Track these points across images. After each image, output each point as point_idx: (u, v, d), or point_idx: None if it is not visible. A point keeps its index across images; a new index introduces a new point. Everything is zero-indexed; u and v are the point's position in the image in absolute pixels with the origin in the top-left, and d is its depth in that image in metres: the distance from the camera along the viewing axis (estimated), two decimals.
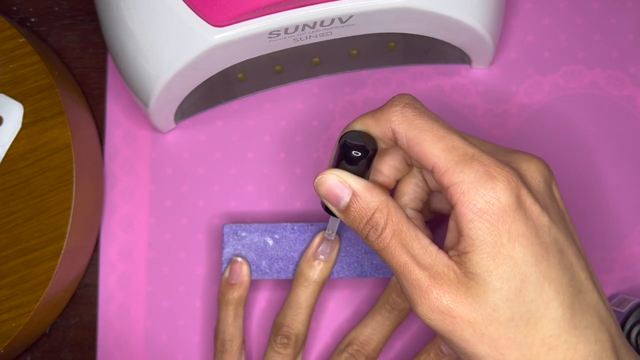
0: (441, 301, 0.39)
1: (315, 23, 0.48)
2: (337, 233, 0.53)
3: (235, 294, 0.53)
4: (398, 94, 0.42)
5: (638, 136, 0.57)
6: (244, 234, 0.54)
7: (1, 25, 0.55)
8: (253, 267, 0.54)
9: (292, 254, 0.54)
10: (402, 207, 0.43)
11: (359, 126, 0.43)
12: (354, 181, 0.41)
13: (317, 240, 0.53)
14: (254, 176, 0.58)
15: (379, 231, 0.41)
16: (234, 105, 0.58)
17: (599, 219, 0.57)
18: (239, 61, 0.51)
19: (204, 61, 0.49)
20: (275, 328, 0.52)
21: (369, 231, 0.41)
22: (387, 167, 0.46)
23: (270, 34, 0.48)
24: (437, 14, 0.49)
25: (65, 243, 0.52)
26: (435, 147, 0.40)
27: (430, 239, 0.41)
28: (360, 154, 0.42)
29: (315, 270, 0.52)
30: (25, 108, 0.54)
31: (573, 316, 0.39)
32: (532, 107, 0.58)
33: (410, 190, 0.47)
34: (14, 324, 0.52)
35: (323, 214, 0.57)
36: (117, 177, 0.58)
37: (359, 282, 0.56)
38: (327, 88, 0.58)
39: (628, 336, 0.52)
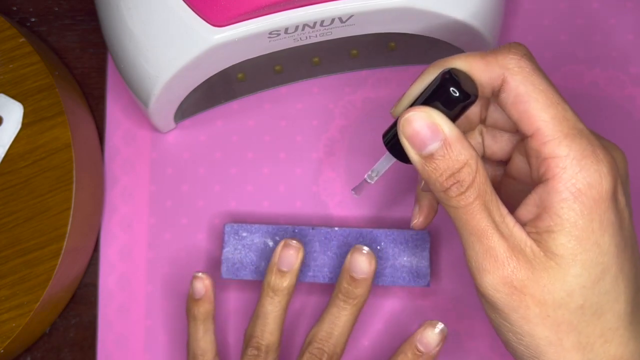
0: (516, 275, 0.37)
1: (315, 23, 0.48)
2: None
3: (201, 308, 0.52)
4: (514, 42, 0.39)
5: (638, 136, 0.57)
6: (244, 234, 0.54)
7: (1, 25, 0.55)
8: (252, 268, 0.54)
9: None
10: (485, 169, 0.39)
11: (463, 65, 0.39)
12: (448, 127, 0.37)
13: (278, 251, 0.51)
14: (254, 176, 0.58)
15: (465, 188, 0.37)
16: (234, 105, 0.58)
17: None
18: (238, 61, 0.51)
19: (204, 61, 0.49)
20: (246, 340, 0.52)
21: (451, 185, 0.37)
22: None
23: (270, 33, 0.48)
24: (437, 13, 0.49)
25: (65, 243, 0.52)
26: (546, 111, 0.37)
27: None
28: (460, 95, 0.37)
29: (280, 280, 0.51)
30: (25, 108, 0.54)
31: (634, 312, 0.38)
32: None
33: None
34: (14, 324, 0.52)
35: (323, 215, 0.57)
36: (117, 177, 0.58)
37: None
38: (327, 88, 0.58)
39: None
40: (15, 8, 0.60)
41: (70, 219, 0.52)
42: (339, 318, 0.50)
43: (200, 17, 0.47)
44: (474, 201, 0.37)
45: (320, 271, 0.54)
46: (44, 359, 0.57)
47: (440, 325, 0.49)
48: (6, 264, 0.52)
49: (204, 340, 0.52)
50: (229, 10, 0.46)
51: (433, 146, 0.37)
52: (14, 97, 0.54)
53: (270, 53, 0.51)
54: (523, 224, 0.38)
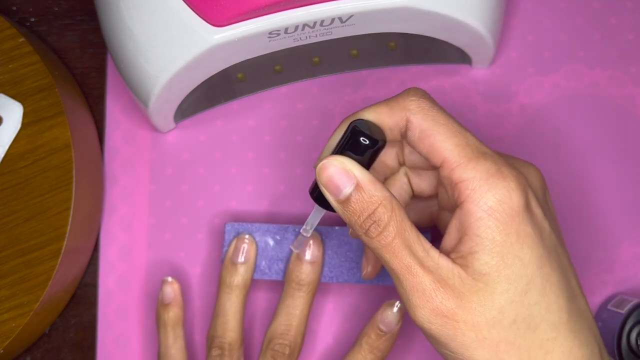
0: (445, 305, 0.38)
1: (315, 23, 0.48)
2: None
3: (171, 313, 0.53)
4: (412, 87, 0.41)
5: (638, 136, 0.57)
6: (245, 233, 0.54)
7: (1, 25, 0.55)
8: None
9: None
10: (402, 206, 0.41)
11: (370, 115, 0.42)
12: (359, 171, 0.39)
13: (232, 247, 0.53)
14: (254, 176, 0.58)
15: (382, 227, 0.39)
16: (234, 105, 0.58)
17: (599, 219, 0.57)
18: (238, 61, 0.51)
19: (203, 61, 0.49)
20: (209, 340, 0.52)
21: (369, 226, 0.39)
22: (378, 163, 0.45)
23: (270, 33, 0.48)
24: (438, 13, 0.49)
25: (64, 243, 0.52)
26: (449, 141, 0.39)
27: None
28: (368, 142, 0.40)
29: (235, 276, 0.52)
30: (25, 108, 0.54)
31: (569, 320, 0.39)
32: (533, 106, 0.58)
33: (395, 192, 0.46)
34: (13, 324, 0.51)
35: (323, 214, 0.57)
36: (116, 177, 0.58)
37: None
38: (327, 88, 0.58)
39: (628, 337, 0.52)
40: (15, 8, 0.60)
41: (70, 219, 0.52)
42: (296, 309, 0.52)
43: (200, 17, 0.47)
44: (393, 239, 0.38)
45: None
46: (44, 359, 0.57)
47: (398, 304, 0.51)
48: (6, 264, 0.52)
49: (175, 348, 0.53)
50: (229, 10, 0.46)
51: (347, 190, 0.39)
52: (13, 97, 0.54)
53: (270, 53, 0.51)
54: (449, 252, 0.39)
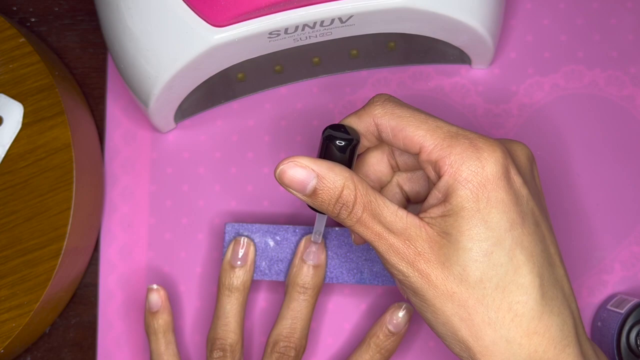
0: (416, 259, 0.41)
1: (315, 23, 0.48)
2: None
3: (160, 320, 0.54)
4: (377, 94, 0.44)
5: (638, 136, 0.57)
6: (245, 233, 0.54)
7: (1, 25, 0.55)
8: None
9: (292, 256, 0.54)
10: (364, 178, 0.44)
11: (345, 123, 0.44)
12: (315, 164, 0.42)
13: (230, 249, 0.53)
14: (254, 176, 0.58)
15: (351, 207, 0.41)
16: (234, 105, 0.58)
17: (599, 219, 0.57)
18: (239, 61, 0.51)
19: (204, 61, 0.49)
20: (209, 343, 0.53)
21: (339, 209, 0.42)
22: (372, 172, 0.47)
23: (270, 34, 0.48)
24: (437, 14, 0.49)
25: (65, 243, 0.52)
26: (420, 128, 0.42)
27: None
28: (343, 143, 0.42)
29: (234, 278, 0.53)
30: (25, 108, 0.54)
31: (542, 286, 0.40)
32: (532, 107, 0.58)
33: (391, 196, 0.48)
34: (14, 324, 0.52)
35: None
36: (117, 176, 0.58)
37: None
38: (327, 88, 0.58)
39: (627, 336, 0.52)
40: (15, 8, 0.60)
41: (71, 219, 0.53)
42: (300, 312, 0.52)
43: (201, 17, 0.47)
44: (362, 214, 0.41)
45: None
46: (44, 358, 0.57)
47: (406, 306, 0.53)
48: (6, 264, 0.52)
49: (167, 354, 0.53)
50: (229, 10, 0.46)
51: (311, 184, 0.42)
52: (14, 97, 0.54)
53: (271, 53, 0.51)
54: (421, 212, 0.42)
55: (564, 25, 0.59)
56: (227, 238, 0.54)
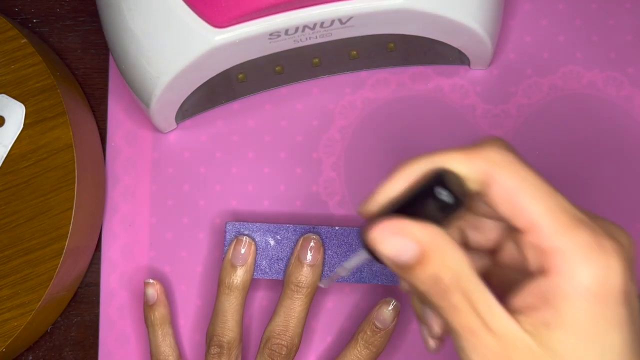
0: None
1: (315, 24, 0.48)
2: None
3: (157, 313, 0.54)
4: (491, 136, 0.36)
5: (636, 136, 0.57)
6: (246, 232, 0.54)
7: (3, 26, 0.55)
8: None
9: None
10: (470, 261, 0.35)
11: (447, 163, 0.35)
12: (425, 234, 0.34)
13: (231, 249, 0.53)
14: (255, 176, 0.58)
15: (447, 289, 0.34)
16: (235, 105, 0.59)
17: None
18: (239, 62, 0.51)
19: (205, 62, 0.49)
20: (208, 339, 0.53)
21: (430, 285, 0.34)
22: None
23: (270, 35, 0.48)
24: (436, 15, 0.49)
25: (66, 242, 0.52)
26: (541, 204, 0.34)
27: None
28: (453, 201, 0.33)
29: (234, 277, 0.53)
30: (27, 108, 0.54)
31: None
32: (531, 107, 0.58)
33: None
34: (15, 323, 0.52)
35: (323, 215, 0.57)
36: (118, 176, 0.58)
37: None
38: (327, 88, 0.59)
39: None
40: (17, 9, 0.60)
41: (72, 219, 0.53)
42: (294, 310, 0.52)
43: (201, 18, 0.47)
44: (458, 301, 0.34)
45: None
46: (46, 358, 0.57)
47: (394, 302, 0.53)
48: (8, 264, 0.52)
49: (165, 345, 0.54)
50: (230, 11, 0.46)
51: (410, 258, 0.34)
52: (16, 97, 0.54)
53: (271, 54, 0.51)
54: (515, 312, 0.34)
55: (562, 26, 0.59)
56: (227, 237, 0.54)
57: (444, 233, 0.34)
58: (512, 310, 0.34)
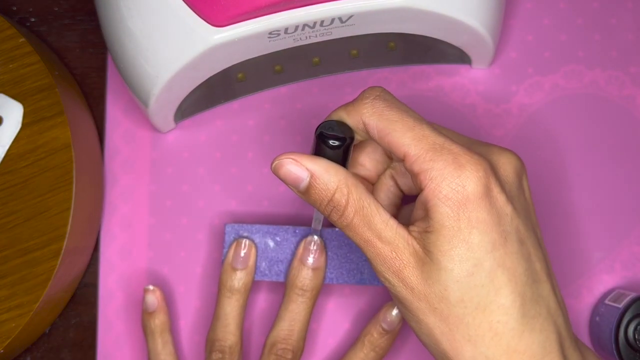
0: (402, 271, 0.41)
1: (315, 23, 0.48)
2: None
3: (157, 320, 0.54)
4: (369, 87, 0.43)
5: (638, 136, 0.57)
6: (245, 234, 0.54)
7: (1, 25, 0.55)
8: None
9: (292, 257, 0.54)
10: (361, 181, 0.44)
11: (333, 116, 0.44)
12: (311, 163, 0.42)
13: (231, 251, 0.53)
14: (254, 176, 0.58)
15: (341, 211, 0.42)
16: (234, 105, 0.58)
17: (599, 219, 0.57)
18: (239, 61, 0.51)
19: (204, 61, 0.49)
20: (209, 344, 0.53)
21: (330, 211, 0.42)
22: (368, 160, 0.47)
23: (270, 34, 0.48)
24: (437, 13, 0.49)
25: (65, 243, 0.52)
26: (406, 136, 0.41)
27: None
28: (337, 143, 0.42)
29: (235, 280, 0.53)
30: (25, 108, 0.54)
31: (523, 305, 0.40)
32: (532, 106, 0.58)
33: (384, 197, 0.48)
34: (13, 324, 0.52)
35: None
36: (117, 177, 0.58)
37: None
38: (327, 88, 0.58)
39: (625, 331, 0.52)
40: (15, 8, 0.60)
41: (70, 219, 0.53)
42: (299, 314, 0.52)
43: (200, 17, 0.47)
44: (353, 218, 0.42)
45: None
46: (44, 359, 0.57)
47: None
48: (6, 264, 0.52)
49: (164, 353, 0.54)
50: (229, 10, 0.46)
51: (304, 182, 0.42)
52: (13, 97, 0.54)
53: (270, 53, 0.51)
54: (411, 223, 0.42)
55: (564, 25, 0.59)
56: (227, 239, 0.54)
57: (331, 163, 0.42)
58: (411, 222, 0.42)
